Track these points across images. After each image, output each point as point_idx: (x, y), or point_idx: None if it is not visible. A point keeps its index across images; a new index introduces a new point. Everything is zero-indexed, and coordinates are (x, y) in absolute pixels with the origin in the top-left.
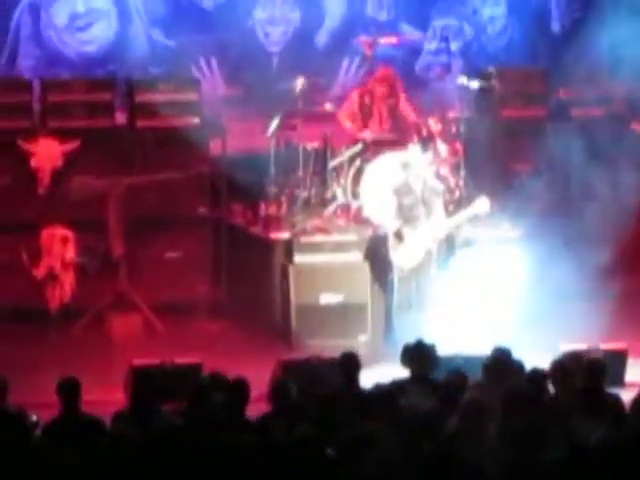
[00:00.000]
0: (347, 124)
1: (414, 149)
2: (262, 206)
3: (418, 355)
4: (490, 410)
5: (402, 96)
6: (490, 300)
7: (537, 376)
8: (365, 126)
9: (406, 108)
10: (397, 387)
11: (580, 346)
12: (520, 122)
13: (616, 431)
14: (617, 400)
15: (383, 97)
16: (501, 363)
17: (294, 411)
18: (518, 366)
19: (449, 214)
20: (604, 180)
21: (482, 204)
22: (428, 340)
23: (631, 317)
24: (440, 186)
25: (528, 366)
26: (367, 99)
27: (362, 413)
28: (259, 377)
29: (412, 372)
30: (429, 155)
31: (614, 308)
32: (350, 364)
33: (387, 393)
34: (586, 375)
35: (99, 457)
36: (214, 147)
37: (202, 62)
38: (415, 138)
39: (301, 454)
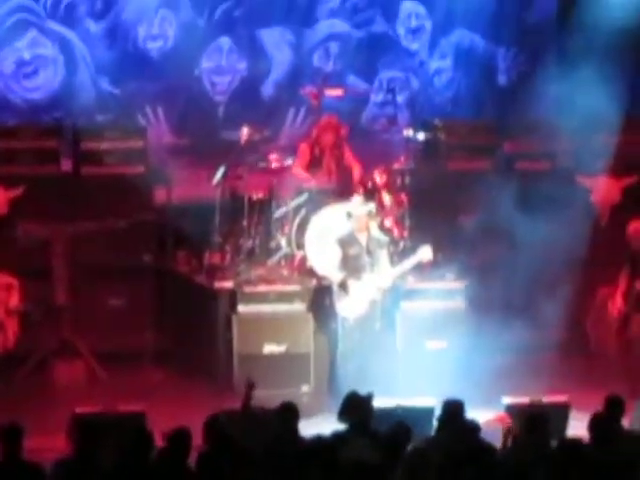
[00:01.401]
0: (303, 174)
1: (357, 199)
2: (207, 255)
3: (355, 406)
4: (436, 462)
5: (347, 149)
6: (433, 351)
7: (475, 429)
8: (316, 177)
9: (350, 162)
10: (337, 439)
11: (523, 399)
12: (465, 174)
13: None
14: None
15: (330, 146)
16: (453, 416)
17: (235, 459)
18: (469, 420)
19: (394, 265)
20: (549, 233)
21: (425, 252)
22: (368, 390)
23: (573, 370)
24: (384, 237)
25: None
26: (317, 150)
27: (301, 463)
28: (202, 426)
29: (351, 423)
30: (373, 206)
31: (557, 361)
32: (289, 414)
33: (327, 444)
34: (529, 428)
35: None
36: (159, 195)
37: (148, 110)
38: (360, 189)
39: None
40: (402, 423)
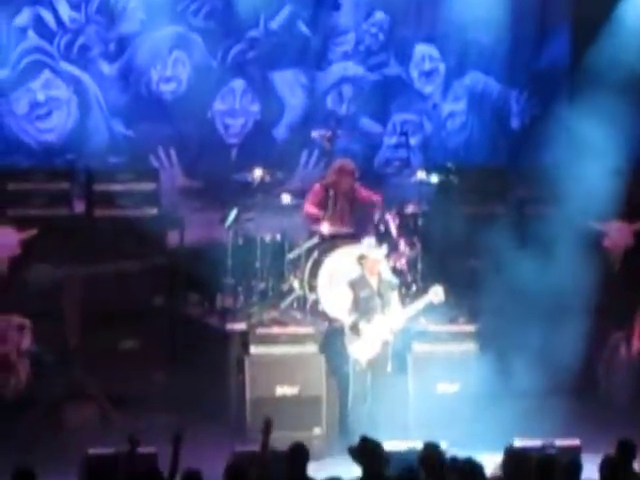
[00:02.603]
0: (314, 212)
1: (369, 241)
2: (219, 297)
3: (365, 453)
4: None
5: (361, 188)
6: (445, 394)
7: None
8: (328, 218)
9: (368, 197)
10: None
11: (534, 442)
12: (477, 218)
13: None
14: None
15: (343, 190)
16: (432, 458)
17: None
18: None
19: (405, 306)
20: (561, 277)
21: (437, 292)
22: (381, 433)
23: (584, 414)
24: (395, 280)
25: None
26: (331, 192)
27: None
28: (213, 469)
29: (363, 470)
30: (384, 250)
31: (569, 405)
32: (298, 455)
33: None
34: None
35: None
36: (172, 238)
37: (161, 152)
38: (373, 232)
39: None
40: (410, 467)
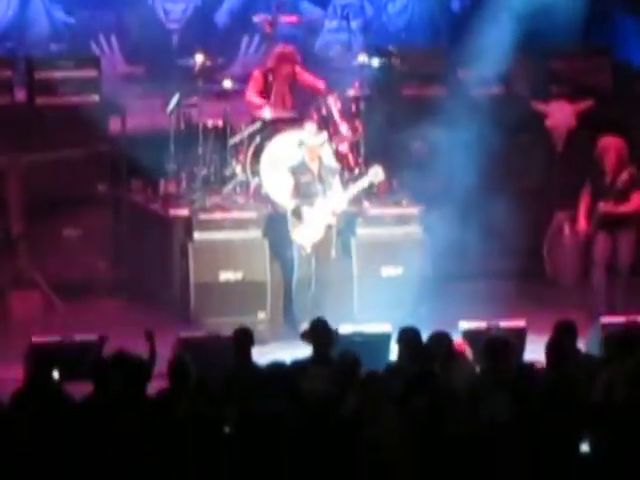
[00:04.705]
0: (256, 101)
1: (310, 128)
2: (162, 184)
3: (317, 334)
4: (393, 387)
5: (299, 69)
6: (389, 278)
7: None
8: (270, 104)
9: (312, 82)
10: (298, 368)
11: (480, 324)
12: (419, 101)
13: (519, 409)
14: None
15: (284, 75)
16: (408, 342)
17: (193, 388)
18: (421, 345)
19: (346, 189)
20: (504, 159)
21: (376, 173)
22: (328, 318)
23: (529, 296)
24: (336, 165)
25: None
26: (270, 78)
27: (258, 390)
28: (159, 355)
29: (313, 351)
30: (325, 134)
31: (513, 287)
32: (243, 339)
33: (286, 372)
34: (490, 353)
35: None
36: (114, 125)
37: (102, 39)
38: (314, 116)
39: (199, 431)
40: (348, 351)
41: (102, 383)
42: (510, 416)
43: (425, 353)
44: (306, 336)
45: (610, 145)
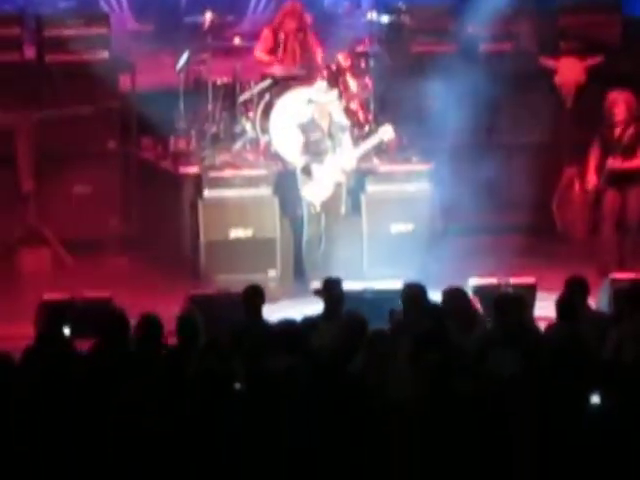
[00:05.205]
0: (266, 59)
1: (320, 85)
2: (171, 141)
3: (329, 291)
4: (401, 344)
5: (309, 32)
6: (399, 234)
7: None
8: (279, 61)
9: (314, 46)
10: (308, 324)
11: (490, 280)
12: (429, 57)
13: (529, 365)
14: (535, 334)
15: (293, 32)
16: (413, 299)
17: (203, 345)
18: (430, 302)
19: (356, 147)
20: (514, 114)
21: (386, 131)
22: (338, 275)
23: (539, 251)
24: (346, 122)
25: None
26: (280, 36)
27: (269, 347)
28: (169, 312)
29: (325, 307)
30: (335, 91)
31: (522, 242)
32: (253, 297)
33: (296, 329)
34: (500, 310)
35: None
36: (123, 82)
37: None
38: (324, 73)
39: (209, 388)
40: (354, 311)
41: (112, 340)
42: (520, 373)
43: (435, 309)
44: (319, 292)
45: (619, 98)
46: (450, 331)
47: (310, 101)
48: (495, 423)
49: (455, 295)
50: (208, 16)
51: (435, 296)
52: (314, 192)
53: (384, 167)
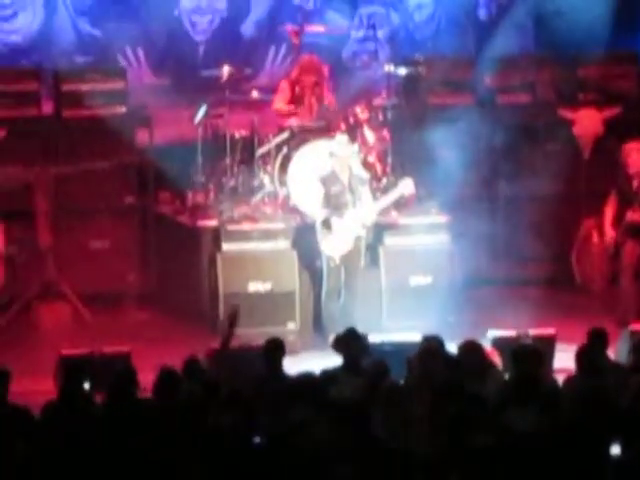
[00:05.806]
0: (285, 109)
1: (340, 138)
2: (189, 195)
3: (348, 343)
4: (419, 396)
5: (325, 85)
6: (418, 287)
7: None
8: (296, 114)
9: (328, 97)
10: (328, 376)
11: (509, 332)
12: (447, 109)
13: (549, 417)
14: (553, 386)
15: (310, 86)
16: (431, 351)
17: (225, 398)
18: (448, 354)
19: (376, 201)
20: (532, 166)
21: (407, 185)
22: (357, 328)
23: (558, 303)
24: (366, 175)
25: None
26: (297, 89)
27: (289, 400)
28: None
29: (344, 360)
30: (355, 144)
31: (542, 294)
32: (274, 350)
33: (315, 381)
34: (519, 362)
35: (28, 446)
36: (141, 136)
37: (128, 51)
38: (342, 126)
39: (228, 442)
40: (378, 359)
41: (128, 394)
42: (539, 426)
43: (453, 363)
44: (337, 345)
45: (634, 149)
46: (467, 385)
47: (331, 154)
48: (515, 476)
49: (469, 348)
50: (226, 69)
51: (454, 348)
52: (334, 246)
53: (403, 220)
